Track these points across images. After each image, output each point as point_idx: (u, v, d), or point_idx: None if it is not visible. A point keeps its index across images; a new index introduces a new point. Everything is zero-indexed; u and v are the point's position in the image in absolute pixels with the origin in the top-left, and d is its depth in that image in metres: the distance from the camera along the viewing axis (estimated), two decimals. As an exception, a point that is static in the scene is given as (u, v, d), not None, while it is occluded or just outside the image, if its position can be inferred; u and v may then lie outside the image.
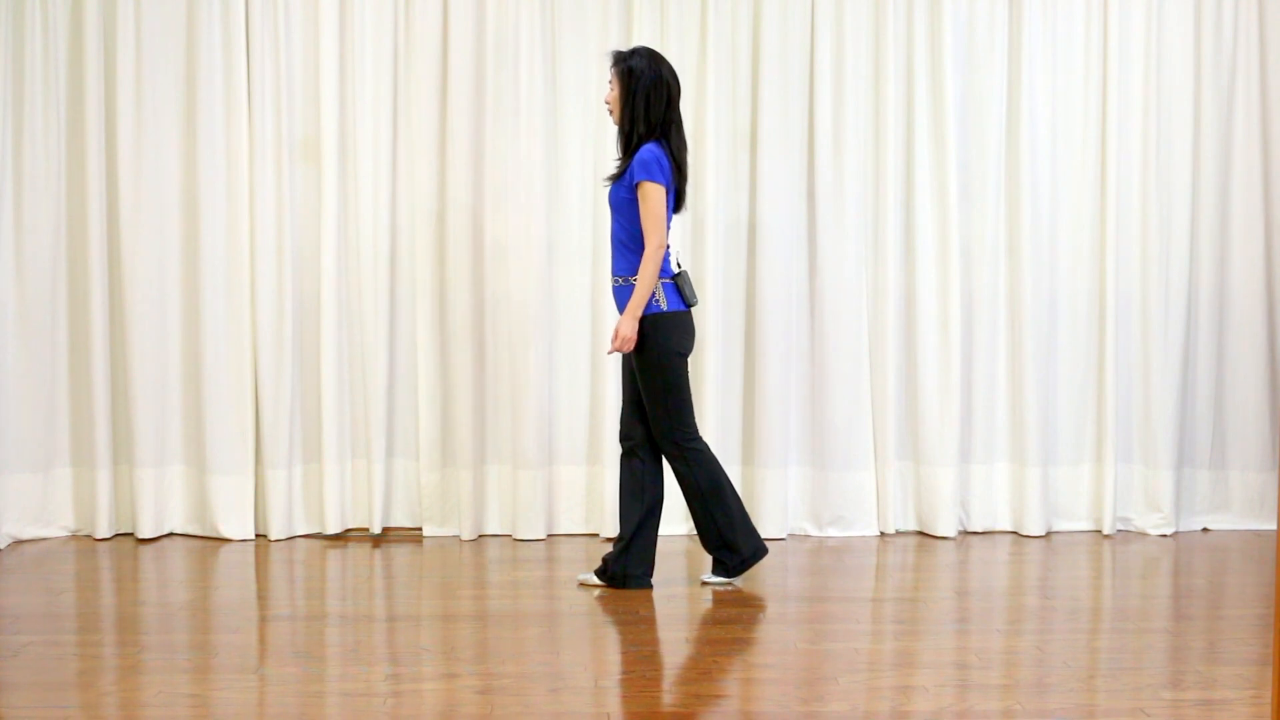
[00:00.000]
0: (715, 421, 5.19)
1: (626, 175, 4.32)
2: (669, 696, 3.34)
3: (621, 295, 4.37)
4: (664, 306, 4.30)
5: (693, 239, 5.25)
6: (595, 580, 4.46)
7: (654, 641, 3.88)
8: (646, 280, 4.25)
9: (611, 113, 4.42)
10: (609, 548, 5.04)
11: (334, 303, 5.17)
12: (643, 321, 4.30)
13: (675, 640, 3.88)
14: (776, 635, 3.91)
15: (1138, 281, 5.34)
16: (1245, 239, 5.37)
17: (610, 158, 5.22)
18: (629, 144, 4.36)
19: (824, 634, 3.89)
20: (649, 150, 4.27)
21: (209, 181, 5.12)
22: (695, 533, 5.26)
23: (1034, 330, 5.28)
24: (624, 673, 3.57)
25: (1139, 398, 5.37)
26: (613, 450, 5.20)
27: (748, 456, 5.30)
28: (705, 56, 5.20)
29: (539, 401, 5.17)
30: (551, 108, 5.21)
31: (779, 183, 5.22)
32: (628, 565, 4.41)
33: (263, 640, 3.88)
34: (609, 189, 4.43)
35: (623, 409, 4.50)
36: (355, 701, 3.31)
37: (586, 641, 3.88)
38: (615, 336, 4.27)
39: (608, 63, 4.47)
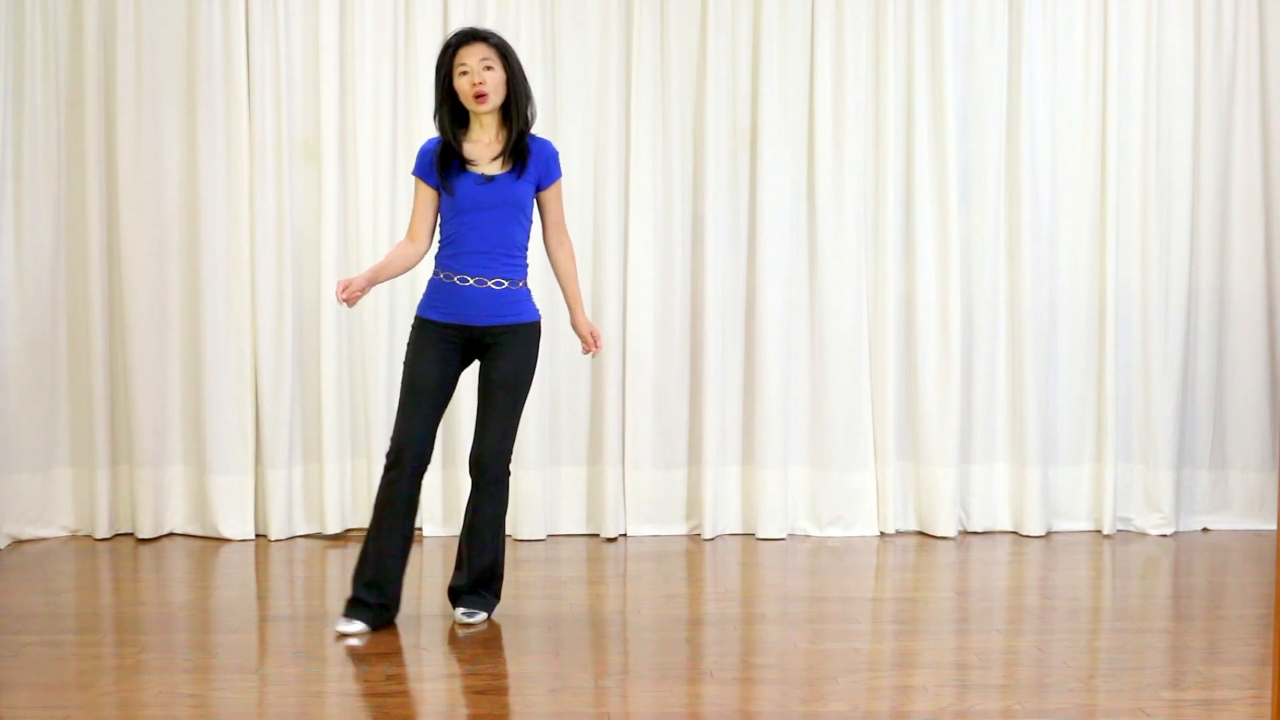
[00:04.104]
0: (715, 421, 5.19)
1: (533, 171, 3.86)
2: (669, 696, 3.34)
3: (503, 299, 3.86)
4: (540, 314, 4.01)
5: (693, 239, 5.25)
6: (477, 617, 4.00)
7: (654, 641, 3.87)
8: (576, 276, 4.02)
9: (483, 97, 3.79)
10: (609, 548, 5.05)
11: (334, 303, 5.16)
12: (530, 328, 3.94)
13: (675, 640, 3.88)
14: (776, 635, 3.91)
15: (1138, 282, 5.34)
16: (1245, 239, 5.36)
17: (612, 158, 5.21)
18: (520, 135, 3.85)
19: (824, 634, 3.89)
20: (550, 144, 3.96)
21: (209, 181, 5.12)
22: (692, 533, 5.27)
23: (1034, 330, 5.28)
24: (624, 673, 3.57)
25: (1139, 398, 5.36)
26: (614, 450, 5.20)
27: (748, 456, 5.29)
28: (705, 56, 5.19)
29: (538, 402, 5.16)
30: (551, 108, 5.20)
31: (779, 183, 5.22)
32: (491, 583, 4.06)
33: (263, 640, 3.88)
34: (492, 184, 3.82)
35: (481, 429, 3.92)
36: (355, 701, 3.31)
37: (586, 641, 3.87)
38: (596, 340, 4.01)
39: (468, 40, 3.83)
